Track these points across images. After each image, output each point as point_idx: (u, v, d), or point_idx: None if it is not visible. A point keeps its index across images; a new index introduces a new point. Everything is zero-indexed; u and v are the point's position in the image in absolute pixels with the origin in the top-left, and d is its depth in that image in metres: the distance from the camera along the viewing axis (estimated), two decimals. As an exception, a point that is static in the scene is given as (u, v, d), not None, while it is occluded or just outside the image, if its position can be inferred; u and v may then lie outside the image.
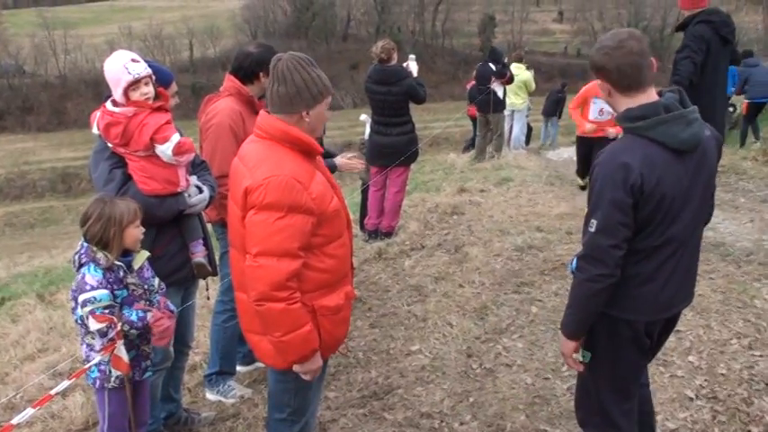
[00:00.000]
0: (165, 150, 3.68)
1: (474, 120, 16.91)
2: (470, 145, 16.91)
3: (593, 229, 2.85)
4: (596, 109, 8.82)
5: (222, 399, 4.79)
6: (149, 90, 3.67)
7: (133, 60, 3.63)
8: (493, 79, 12.96)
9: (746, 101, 14.11)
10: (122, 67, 3.58)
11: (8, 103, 50.40)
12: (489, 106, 13.07)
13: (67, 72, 55.90)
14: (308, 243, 2.96)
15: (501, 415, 4.36)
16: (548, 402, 4.47)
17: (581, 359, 3.19)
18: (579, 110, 9.17)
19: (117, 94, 3.63)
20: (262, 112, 3.11)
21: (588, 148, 9.10)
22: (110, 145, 3.72)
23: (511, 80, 13.11)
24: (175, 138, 3.71)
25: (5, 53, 55.73)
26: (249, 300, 2.97)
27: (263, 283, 2.87)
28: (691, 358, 4.82)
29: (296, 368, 3.09)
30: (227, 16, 65.86)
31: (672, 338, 4.99)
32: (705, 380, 4.56)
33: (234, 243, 3.16)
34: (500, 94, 13.06)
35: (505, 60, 13.42)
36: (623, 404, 3.16)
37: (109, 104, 3.70)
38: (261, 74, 4.49)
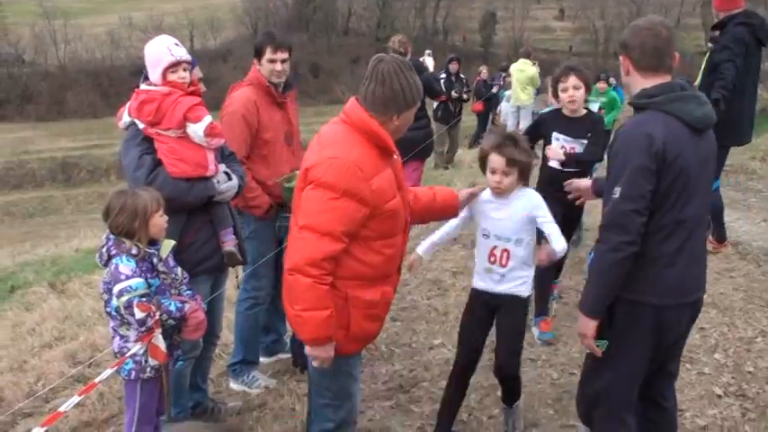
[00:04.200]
0: (197, 130, 3.71)
1: (479, 114, 16.93)
2: (476, 140, 16.90)
3: (616, 196, 2.89)
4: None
5: (246, 389, 4.77)
6: (186, 75, 3.76)
7: (176, 44, 3.75)
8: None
9: None
10: (166, 48, 3.70)
11: (7, 93, 49.98)
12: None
13: (67, 62, 55.56)
14: (355, 231, 2.97)
15: (529, 409, 4.34)
16: (574, 398, 4.45)
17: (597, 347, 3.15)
18: None
19: (155, 74, 3.71)
20: (352, 99, 3.12)
21: None
22: (141, 127, 3.72)
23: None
24: (208, 118, 3.75)
25: (5, 42, 55.17)
26: (284, 267, 3.01)
27: (299, 255, 2.92)
28: (716, 356, 4.82)
29: (307, 350, 3.12)
30: (228, 8, 65.50)
31: (696, 336, 5.01)
32: (732, 377, 4.56)
33: (294, 213, 3.19)
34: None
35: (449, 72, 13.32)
36: (628, 396, 3.17)
37: (143, 86, 3.76)
38: (267, 49, 4.50)
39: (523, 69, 14.18)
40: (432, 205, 3.63)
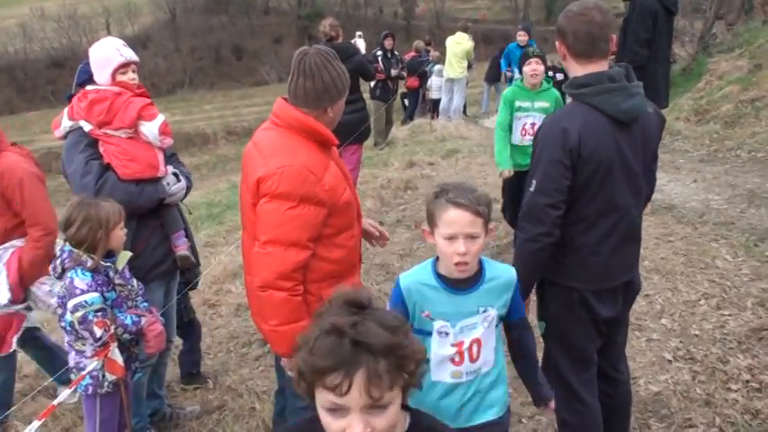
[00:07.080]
0: (152, 128, 3.69)
1: (412, 91, 16.95)
2: (409, 116, 16.94)
3: (532, 189, 2.93)
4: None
5: None
6: (135, 77, 3.73)
7: (124, 45, 3.74)
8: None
9: None
10: (114, 49, 3.68)
11: None
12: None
13: (-22, 57, 53.53)
14: (318, 234, 2.93)
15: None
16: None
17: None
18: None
19: (104, 75, 3.67)
20: (279, 99, 3.08)
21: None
22: (87, 129, 3.63)
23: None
24: (161, 117, 3.74)
25: None
26: (254, 285, 2.94)
27: (268, 270, 2.85)
28: (663, 321, 4.96)
29: (283, 362, 3.07)
30: (143, -7, 63.87)
31: (643, 303, 5.14)
32: (680, 341, 4.70)
33: (245, 227, 3.15)
34: None
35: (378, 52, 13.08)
36: (581, 374, 3.20)
37: (90, 86, 3.70)
38: None
39: (460, 42, 14.37)
40: None
